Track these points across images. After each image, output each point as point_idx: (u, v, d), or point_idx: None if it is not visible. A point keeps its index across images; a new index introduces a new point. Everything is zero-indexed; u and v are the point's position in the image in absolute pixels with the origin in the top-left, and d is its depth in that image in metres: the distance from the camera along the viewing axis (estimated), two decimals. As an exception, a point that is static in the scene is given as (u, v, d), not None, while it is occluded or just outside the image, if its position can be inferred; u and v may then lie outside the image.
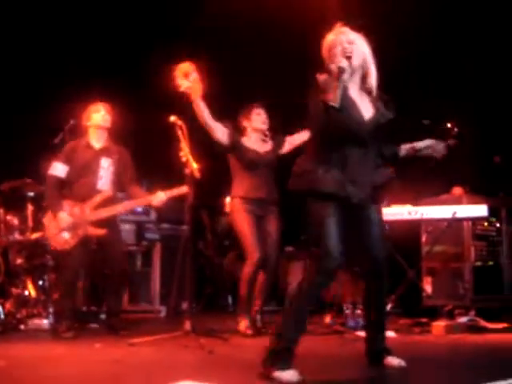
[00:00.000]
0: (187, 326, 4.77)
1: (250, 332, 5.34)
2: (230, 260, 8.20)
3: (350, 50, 3.66)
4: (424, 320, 5.79)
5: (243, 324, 5.43)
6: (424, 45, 7.39)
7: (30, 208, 6.46)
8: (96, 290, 6.51)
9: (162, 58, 5.53)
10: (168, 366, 3.98)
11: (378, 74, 3.79)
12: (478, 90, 7.52)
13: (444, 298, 6.32)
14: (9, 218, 6.39)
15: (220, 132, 5.35)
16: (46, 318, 6.02)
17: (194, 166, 4.98)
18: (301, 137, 5.49)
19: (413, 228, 6.58)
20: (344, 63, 3.53)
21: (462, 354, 4.61)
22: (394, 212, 6.36)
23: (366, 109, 3.75)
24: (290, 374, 3.45)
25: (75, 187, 5.54)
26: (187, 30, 7.77)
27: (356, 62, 3.67)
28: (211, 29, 7.53)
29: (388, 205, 6.31)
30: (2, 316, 5.84)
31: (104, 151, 5.65)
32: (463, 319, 5.79)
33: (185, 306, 6.40)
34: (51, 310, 6.10)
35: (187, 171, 4.99)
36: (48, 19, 7.75)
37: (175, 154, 5.07)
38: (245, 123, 5.70)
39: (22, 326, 5.87)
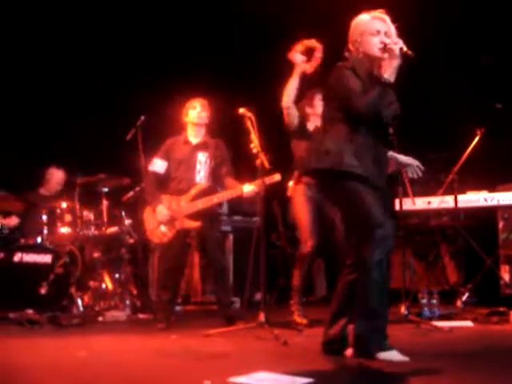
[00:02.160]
0: (261, 317, 4.77)
1: (305, 322, 5.28)
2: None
3: (394, 45, 3.62)
4: (502, 309, 5.64)
5: (297, 314, 5.37)
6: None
7: (104, 203, 6.60)
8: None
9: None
10: (243, 357, 4.01)
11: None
12: None
13: (523, 286, 6.16)
14: (85, 213, 6.55)
15: (294, 114, 5.37)
16: (123, 310, 6.16)
17: (264, 157, 4.97)
18: None
19: (489, 215, 6.42)
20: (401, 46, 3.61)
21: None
22: (470, 199, 6.22)
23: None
24: (395, 354, 3.55)
25: (174, 182, 5.64)
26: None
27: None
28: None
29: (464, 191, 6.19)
30: (81, 308, 5.99)
31: (201, 146, 5.70)
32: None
33: (258, 297, 6.43)
34: (128, 302, 6.23)
35: (258, 162, 4.99)
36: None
37: (245, 145, 5.07)
38: (307, 109, 5.59)
39: (100, 318, 6.02)
